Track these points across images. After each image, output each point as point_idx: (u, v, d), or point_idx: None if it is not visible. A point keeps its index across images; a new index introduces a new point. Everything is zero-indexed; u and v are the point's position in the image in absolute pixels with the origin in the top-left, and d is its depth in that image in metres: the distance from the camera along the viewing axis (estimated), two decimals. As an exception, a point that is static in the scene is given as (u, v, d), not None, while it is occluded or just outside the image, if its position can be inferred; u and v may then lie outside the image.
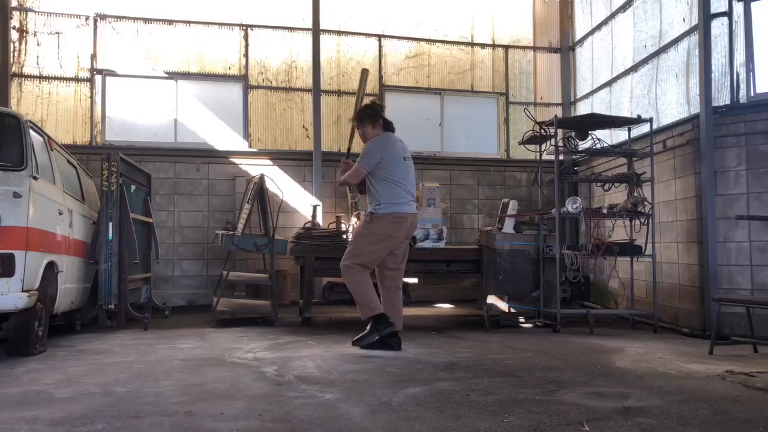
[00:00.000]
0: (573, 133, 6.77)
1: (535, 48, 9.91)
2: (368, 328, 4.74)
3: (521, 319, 6.62)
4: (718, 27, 6.17)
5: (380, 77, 9.30)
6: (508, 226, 6.61)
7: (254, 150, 8.76)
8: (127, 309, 5.78)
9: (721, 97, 6.13)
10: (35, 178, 4.46)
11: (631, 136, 6.88)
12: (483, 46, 9.75)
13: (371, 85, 9.28)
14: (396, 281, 5.04)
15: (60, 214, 5.01)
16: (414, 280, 8.36)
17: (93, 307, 5.85)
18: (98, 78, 8.42)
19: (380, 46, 9.34)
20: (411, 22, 9.49)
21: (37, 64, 8.27)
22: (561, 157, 7.22)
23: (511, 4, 9.87)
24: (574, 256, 6.23)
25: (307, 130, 8.98)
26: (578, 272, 6.65)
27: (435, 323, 6.54)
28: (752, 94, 6.00)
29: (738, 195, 5.95)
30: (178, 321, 6.59)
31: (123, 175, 5.89)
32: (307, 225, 7.02)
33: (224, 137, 8.74)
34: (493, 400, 3.17)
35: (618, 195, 7.35)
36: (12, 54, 8.17)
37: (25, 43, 8.26)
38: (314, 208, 7.57)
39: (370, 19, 9.32)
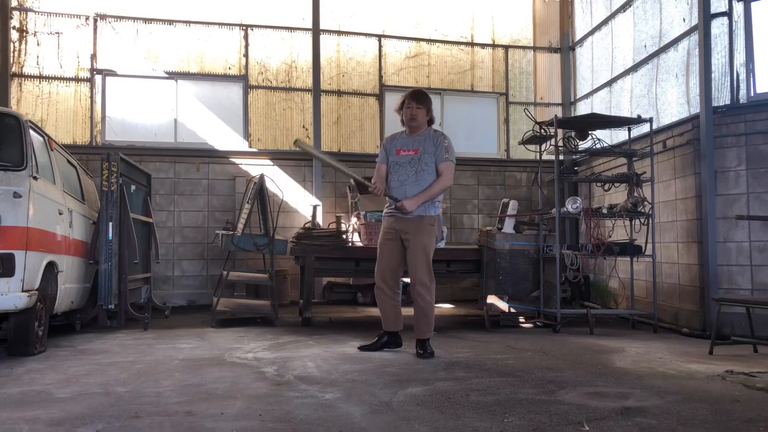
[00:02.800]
0: (573, 133, 6.77)
1: (535, 48, 9.91)
2: (427, 345, 4.52)
3: (521, 319, 6.62)
4: (718, 27, 6.17)
5: (380, 77, 9.30)
6: (508, 226, 6.60)
7: (254, 150, 8.76)
8: (127, 309, 5.78)
9: (721, 97, 6.12)
10: (35, 178, 4.46)
11: (631, 136, 6.88)
12: (483, 46, 9.75)
13: (371, 85, 9.29)
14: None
15: (60, 214, 5.01)
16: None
17: (93, 307, 5.85)
18: (98, 78, 8.43)
19: (380, 46, 9.34)
20: (411, 22, 9.49)
21: (37, 64, 8.27)
22: (561, 157, 7.23)
23: (511, 4, 9.88)
24: (574, 256, 6.23)
25: (307, 130, 8.99)
26: (578, 272, 6.64)
27: (435, 323, 6.52)
28: (752, 94, 6.00)
29: (738, 195, 5.95)
30: (178, 321, 6.59)
31: (123, 175, 5.89)
32: (307, 225, 7.02)
33: (224, 137, 8.74)
34: (493, 400, 3.17)
35: (618, 195, 7.35)
36: (12, 54, 8.17)
37: (25, 43, 8.26)
38: (314, 208, 7.57)
39: (370, 19, 9.32)
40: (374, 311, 7.77)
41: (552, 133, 6.66)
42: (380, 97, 9.26)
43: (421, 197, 4.43)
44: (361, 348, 4.74)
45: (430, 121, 4.62)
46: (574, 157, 8.35)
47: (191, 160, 8.48)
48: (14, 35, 8.21)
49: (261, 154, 8.74)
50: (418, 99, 4.51)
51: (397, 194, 4.46)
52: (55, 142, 5.34)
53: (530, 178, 9.44)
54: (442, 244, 6.54)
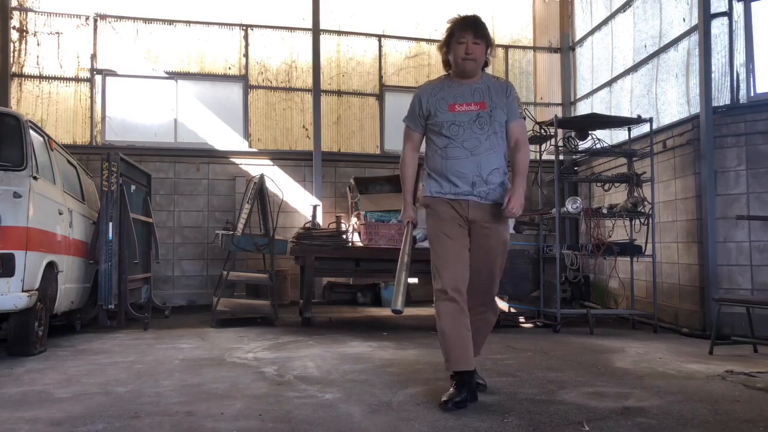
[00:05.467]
0: (573, 133, 6.77)
1: (535, 48, 9.91)
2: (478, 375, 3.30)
3: (521, 319, 6.62)
4: (718, 27, 6.17)
5: (380, 77, 9.30)
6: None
7: (254, 150, 8.76)
8: (127, 309, 5.78)
9: (721, 97, 6.12)
10: (35, 178, 4.46)
11: (631, 136, 6.88)
12: (483, 46, 9.74)
13: (371, 85, 9.29)
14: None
15: (60, 214, 5.01)
16: (414, 280, 8.36)
17: (93, 307, 5.85)
18: (98, 78, 8.43)
19: (380, 46, 9.34)
20: (411, 22, 9.49)
21: (37, 64, 8.27)
22: (561, 157, 7.22)
23: (511, 4, 9.87)
24: (574, 256, 6.23)
25: (307, 130, 8.99)
26: (578, 272, 6.65)
27: (435, 323, 6.53)
28: (752, 94, 6.00)
29: (738, 195, 5.95)
30: (178, 321, 6.59)
31: (123, 175, 5.89)
32: (307, 225, 7.01)
33: (224, 137, 8.74)
34: (493, 400, 3.16)
35: (618, 195, 7.35)
36: (12, 54, 8.17)
37: (25, 43, 8.26)
38: (314, 208, 7.57)
39: (370, 19, 9.32)
40: (374, 311, 7.79)
41: (552, 133, 6.66)
42: (380, 97, 9.25)
43: (522, 184, 3.19)
44: (446, 405, 2.95)
45: (486, 63, 3.30)
46: (574, 157, 8.35)
47: (191, 160, 8.47)
48: (14, 35, 8.21)
49: (261, 154, 8.74)
50: (475, 30, 3.16)
51: (463, 169, 3.13)
52: (55, 142, 5.34)
53: (530, 178, 9.42)
54: None
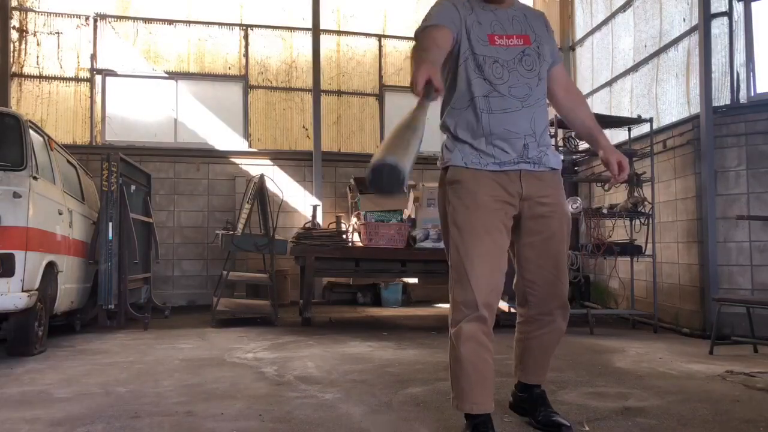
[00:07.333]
0: (573, 133, 6.77)
1: (535, 48, 9.91)
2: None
3: (521, 319, 6.61)
4: (718, 27, 6.17)
5: (380, 77, 9.30)
6: (508, 226, 6.59)
7: (254, 150, 8.77)
8: (127, 309, 5.78)
9: (721, 97, 6.12)
10: (35, 178, 4.46)
11: (631, 136, 6.88)
12: (483, 46, 9.75)
13: (371, 85, 9.29)
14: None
15: (60, 214, 5.01)
16: (414, 280, 8.36)
17: (93, 307, 5.85)
18: (98, 78, 8.43)
19: (380, 46, 9.34)
20: (411, 22, 9.49)
21: (37, 64, 8.27)
22: (561, 158, 7.22)
23: (511, 4, 9.87)
24: (574, 256, 6.22)
25: (307, 130, 8.99)
26: (578, 272, 6.64)
27: (435, 323, 6.54)
28: (752, 94, 5.99)
29: (738, 195, 5.95)
30: (178, 321, 6.59)
31: (123, 175, 5.89)
32: (307, 225, 7.01)
33: (224, 137, 8.74)
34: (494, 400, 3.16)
35: (618, 195, 7.34)
36: (12, 54, 8.17)
37: (25, 43, 8.26)
38: (314, 208, 7.57)
39: (370, 19, 9.33)
40: (374, 311, 7.79)
41: (552, 134, 6.65)
42: (380, 97, 9.26)
43: (609, 141, 2.54)
44: None
45: None
46: (574, 157, 8.33)
47: (191, 160, 8.48)
48: (14, 35, 8.22)
49: (261, 154, 8.74)
50: None
51: (515, 126, 2.32)
52: (55, 142, 5.34)
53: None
54: (441, 244, 6.12)
